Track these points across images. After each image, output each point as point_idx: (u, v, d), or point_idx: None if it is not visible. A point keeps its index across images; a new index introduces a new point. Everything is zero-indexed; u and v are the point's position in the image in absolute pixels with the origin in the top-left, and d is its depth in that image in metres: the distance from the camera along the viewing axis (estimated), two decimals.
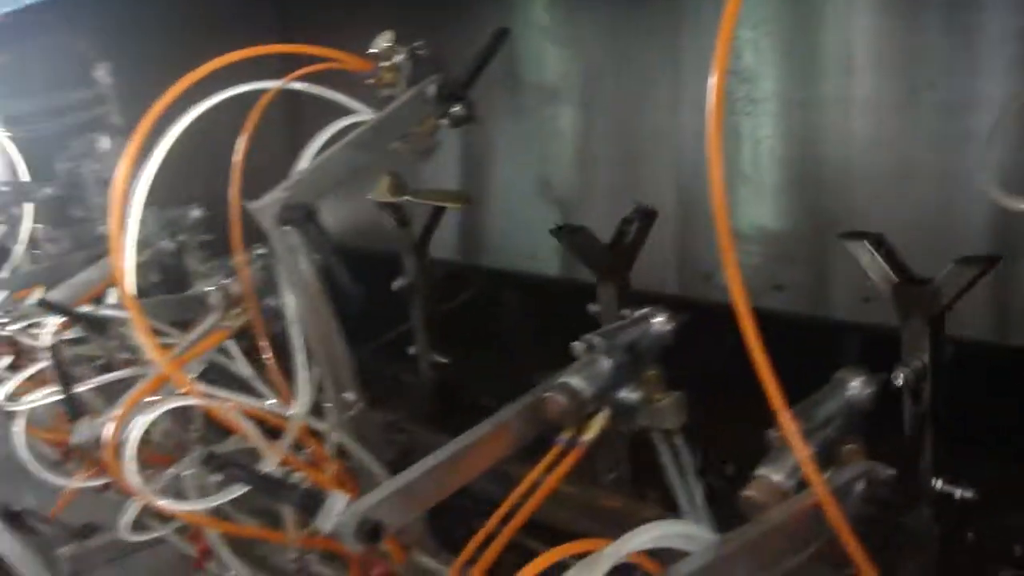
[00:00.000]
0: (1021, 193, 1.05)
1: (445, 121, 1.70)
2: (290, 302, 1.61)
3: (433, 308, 2.22)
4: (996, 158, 1.11)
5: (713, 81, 0.92)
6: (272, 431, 1.62)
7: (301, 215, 1.50)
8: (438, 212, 2.15)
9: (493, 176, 2.77)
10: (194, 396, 1.57)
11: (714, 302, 2.13)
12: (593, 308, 1.69)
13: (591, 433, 1.26)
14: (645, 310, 1.34)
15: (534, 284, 2.64)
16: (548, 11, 2.51)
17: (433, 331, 2.24)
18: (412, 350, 2.24)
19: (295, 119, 2.43)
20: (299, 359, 1.61)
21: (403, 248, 2.19)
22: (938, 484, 1.29)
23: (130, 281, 1.60)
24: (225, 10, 2.96)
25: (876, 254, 1.29)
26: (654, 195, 2.28)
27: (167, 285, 2.43)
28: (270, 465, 1.50)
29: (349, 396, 1.60)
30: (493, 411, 2.15)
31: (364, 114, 1.70)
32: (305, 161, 1.64)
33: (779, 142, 2.08)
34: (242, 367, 1.85)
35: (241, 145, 1.70)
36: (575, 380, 1.24)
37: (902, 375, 1.25)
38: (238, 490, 1.46)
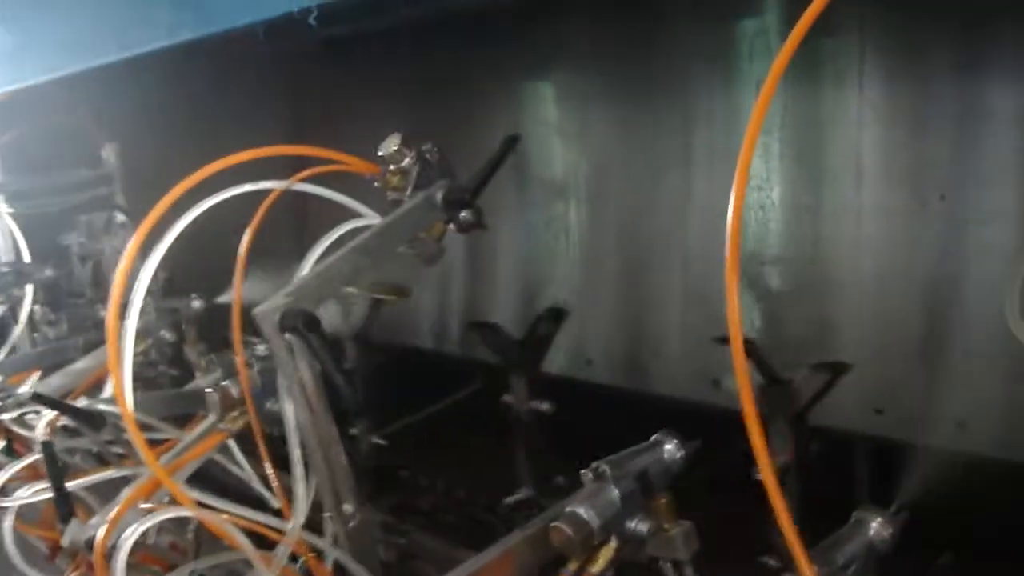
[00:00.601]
0: None
1: (452, 226, 1.67)
2: (288, 409, 1.57)
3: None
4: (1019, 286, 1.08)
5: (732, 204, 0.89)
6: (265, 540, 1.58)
7: (303, 322, 1.47)
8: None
9: (497, 272, 2.75)
10: (188, 506, 1.52)
11: (721, 408, 2.10)
12: (507, 398, 1.85)
13: (598, 566, 1.21)
14: (655, 437, 1.30)
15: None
16: (558, 108, 2.51)
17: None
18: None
19: (305, 215, 2.41)
20: (296, 470, 1.57)
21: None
22: None
23: (127, 387, 1.56)
24: (241, 100, 2.97)
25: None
26: (660, 297, 2.28)
27: (167, 375, 2.40)
28: None
29: (348, 508, 1.55)
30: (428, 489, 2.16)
31: (370, 218, 1.68)
32: (308, 265, 1.62)
33: (786, 247, 2.07)
34: (242, 470, 1.81)
35: (245, 240, 1.68)
36: (583, 510, 1.20)
37: None
38: None
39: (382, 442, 2.23)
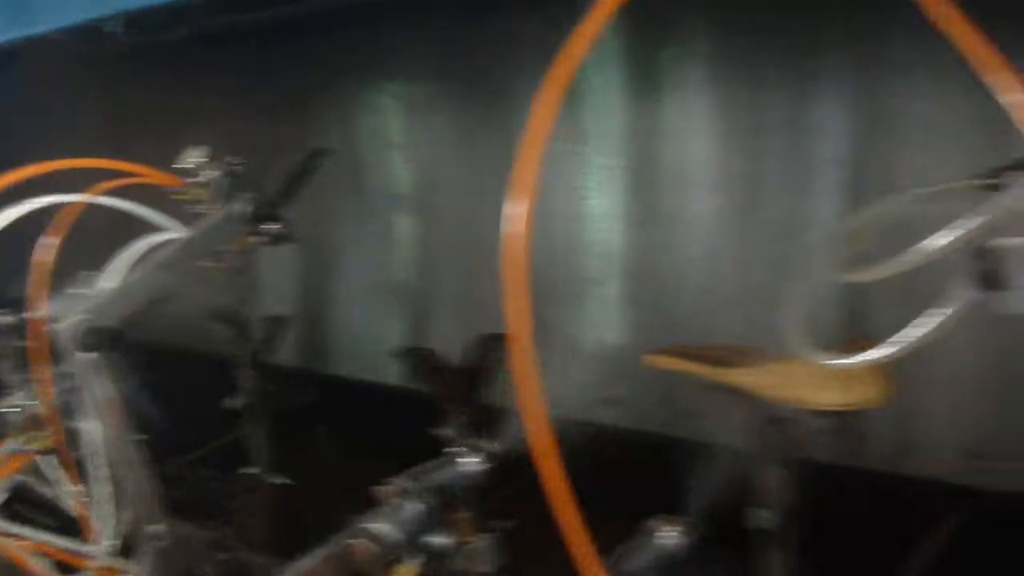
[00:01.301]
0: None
1: (261, 239, 1.63)
2: (90, 428, 1.51)
3: (270, 426, 2.13)
4: (803, 313, 1.10)
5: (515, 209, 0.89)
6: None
7: (104, 340, 1.42)
8: (278, 324, 2.08)
9: (338, 282, 2.72)
10: None
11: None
12: (442, 432, 1.66)
13: None
14: (458, 449, 1.29)
15: (377, 393, 2.59)
16: (393, 120, 2.49)
17: (271, 450, 2.14)
18: (250, 470, 2.14)
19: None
20: (98, 491, 1.51)
21: (240, 361, 2.10)
22: None
23: None
24: (57, 106, 2.88)
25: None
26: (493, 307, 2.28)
27: None
28: None
29: (156, 528, 1.50)
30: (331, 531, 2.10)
31: (174, 232, 1.63)
32: (109, 279, 1.56)
33: (623, 256, 2.10)
34: (53, 492, 1.74)
35: (46, 248, 1.62)
36: (383, 526, 1.18)
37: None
38: None
39: (283, 480, 2.17)
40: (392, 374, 2.50)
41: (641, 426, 2.08)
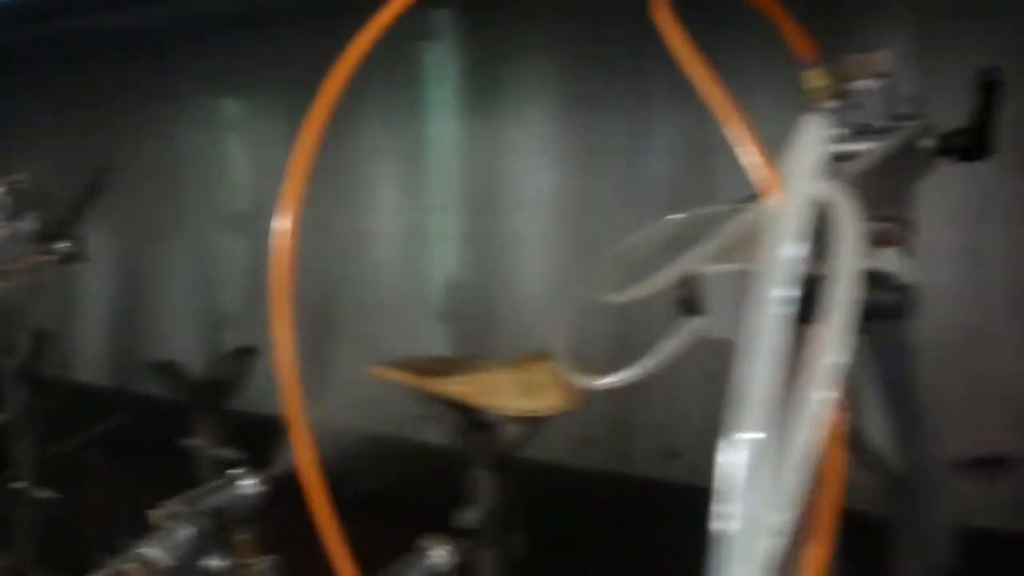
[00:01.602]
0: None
1: (50, 258, 1.60)
2: None
3: (40, 440, 2.07)
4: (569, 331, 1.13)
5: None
6: None
7: None
8: (40, 340, 2.03)
9: (157, 298, 2.68)
10: None
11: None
12: (191, 442, 1.74)
13: None
14: (236, 471, 1.29)
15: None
16: (225, 134, 2.47)
17: (41, 465, 2.09)
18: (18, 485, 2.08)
19: None
20: None
21: (7, 377, 2.02)
22: None
23: None
24: None
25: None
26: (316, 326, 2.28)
27: None
28: None
29: None
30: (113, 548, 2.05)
31: None
32: None
33: (458, 270, 2.12)
34: None
35: None
36: (153, 551, 1.17)
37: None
38: None
39: (51, 495, 2.08)
40: None
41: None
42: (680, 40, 0.72)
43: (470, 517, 1.39)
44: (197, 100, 2.49)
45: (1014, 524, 1.60)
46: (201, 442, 1.71)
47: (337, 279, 2.23)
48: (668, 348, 0.88)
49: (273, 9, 2.18)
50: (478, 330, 2.07)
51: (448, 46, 2.08)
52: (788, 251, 0.44)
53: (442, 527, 1.23)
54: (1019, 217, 1.52)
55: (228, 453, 1.73)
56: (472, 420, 1.36)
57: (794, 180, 0.48)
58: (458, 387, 1.31)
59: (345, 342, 2.21)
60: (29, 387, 2.06)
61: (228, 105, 2.47)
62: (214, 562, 1.24)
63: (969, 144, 0.96)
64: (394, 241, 2.14)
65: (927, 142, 0.97)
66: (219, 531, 1.23)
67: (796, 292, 0.51)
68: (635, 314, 1.80)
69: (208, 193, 2.50)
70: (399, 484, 1.96)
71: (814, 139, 0.50)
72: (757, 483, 0.37)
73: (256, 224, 2.39)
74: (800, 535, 0.58)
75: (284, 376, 0.91)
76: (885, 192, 0.95)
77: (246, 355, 1.76)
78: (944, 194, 1.57)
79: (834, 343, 0.45)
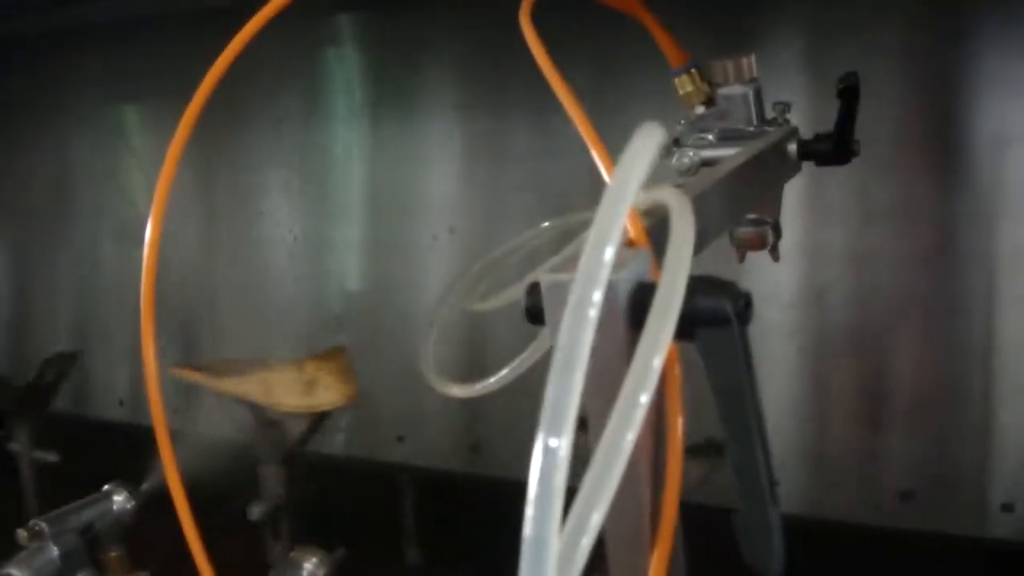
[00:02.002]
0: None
1: None
2: None
3: None
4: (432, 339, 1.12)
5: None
6: None
7: None
8: None
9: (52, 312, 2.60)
10: None
11: None
12: (14, 447, 1.75)
13: None
14: (106, 488, 1.25)
15: None
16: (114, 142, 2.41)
17: None
18: None
19: None
20: None
21: None
22: None
23: None
24: None
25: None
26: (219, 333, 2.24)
27: None
28: None
29: None
30: None
31: None
32: None
33: (307, 282, 2.10)
34: None
35: None
36: (15, 571, 1.13)
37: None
38: None
39: None
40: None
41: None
42: (538, 47, 0.72)
43: (258, 510, 1.44)
44: (85, 107, 2.43)
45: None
46: (21, 446, 1.73)
47: (227, 288, 2.19)
48: (524, 360, 0.88)
49: (167, 14, 2.14)
50: (374, 337, 2.05)
51: (350, 51, 2.05)
52: (604, 255, 0.43)
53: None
54: (903, 218, 1.55)
55: (49, 456, 1.75)
56: (260, 417, 1.43)
57: (619, 185, 0.47)
58: (245, 386, 1.37)
59: (233, 351, 2.18)
60: None
61: (118, 113, 2.42)
62: None
63: (830, 149, 0.97)
64: (290, 249, 2.10)
65: (791, 147, 0.98)
66: (88, 548, 1.20)
67: (615, 296, 0.51)
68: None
69: (96, 202, 2.44)
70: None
71: (646, 144, 0.49)
72: (561, 487, 0.36)
73: (143, 233, 2.33)
74: (641, 539, 0.57)
75: (151, 390, 0.88)
76: (752, 196, 0.96)
77: (70, 359, 1.78)
78: (833, 196, 1.60)
79: (654, 346, 0.45)
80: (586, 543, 0.38)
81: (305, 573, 1.12)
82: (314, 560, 1.12)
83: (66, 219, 2.49)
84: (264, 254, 2.16)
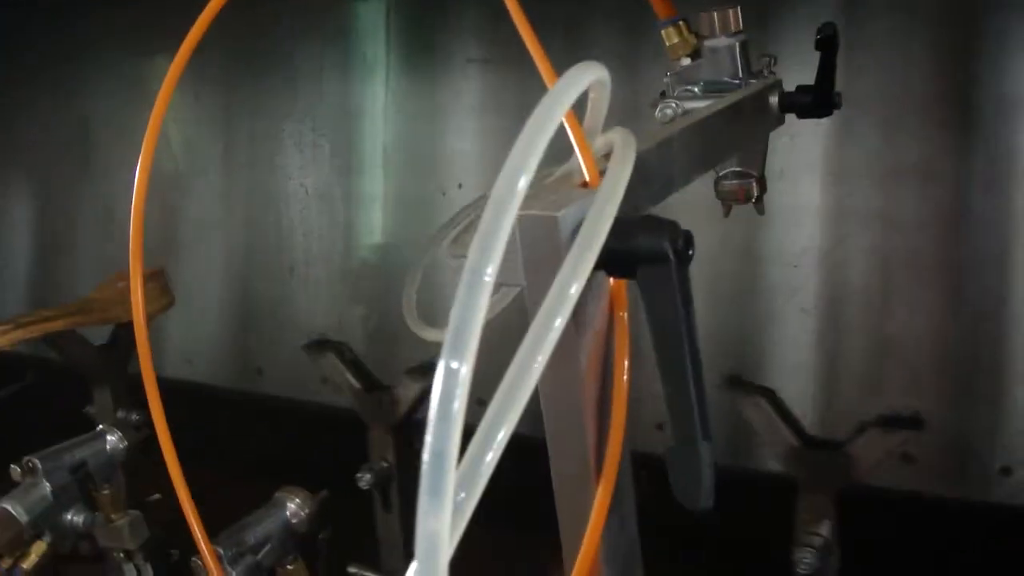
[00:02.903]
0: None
1: None
2: None
3: None
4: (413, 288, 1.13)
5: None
6: None
7: None
8: None
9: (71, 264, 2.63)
10: None
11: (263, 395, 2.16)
12: (90, 410, 1.66)
13: (30, 561, 1.18)
14: (100, 427, 1.27)
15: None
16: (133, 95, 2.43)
17: None
18: None
19: None
20: None
21: None
22: None
23: None
24: None
25: (343, 366, 1.30)
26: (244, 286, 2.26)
27: None
28: None
29: None
30: None
31: None
32: None
33: (328, 235, 2.11)
34: None
35: None
36: (11, 506, 1.16)
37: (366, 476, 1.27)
38: None
39: None
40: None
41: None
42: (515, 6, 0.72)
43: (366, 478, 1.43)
44: (106, 60, 2.44)
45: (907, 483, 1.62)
46: (102, 409, 1.67)
47: (251, 241, 2.21)
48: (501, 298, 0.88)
49: None
50: (389, 290, 2.06)
51: (371, 3, 2.05)
52: (518, 182, 0.44)
53: None
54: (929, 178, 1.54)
55: (132, 417, 1.69)
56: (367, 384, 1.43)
57: (542, 112, 0.47)
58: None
59: (259, 304, 2.20)
60: None
61: (139, 65, 2.43)
62: (76, 516, 1.23)
63: (811, 101, 0.97)
64: (304, 202, 2.12)
65: (773, 99, 0.98)
66: (81, 486, 1.23)
67: (557, 233, 0.51)
68: None
69: (115, 150, 2.46)
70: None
71: (577, 77, 0.50)
72: (462, 408, 0.37)
73: (161, 180, 2.36)
74: (585, 479, 0.58)
75: (139, 338, 0.90)
76: (728, 146, 0.96)
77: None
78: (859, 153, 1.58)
79: (572, 272, 0.46)
80: (490, 459, 0.39)
81: (288, 512, 1.13)
82: (297, 500, 1.14)
83: (89, 172, 2.51)
84: (278, 207, 2.17)
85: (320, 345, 1.41)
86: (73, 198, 2.54)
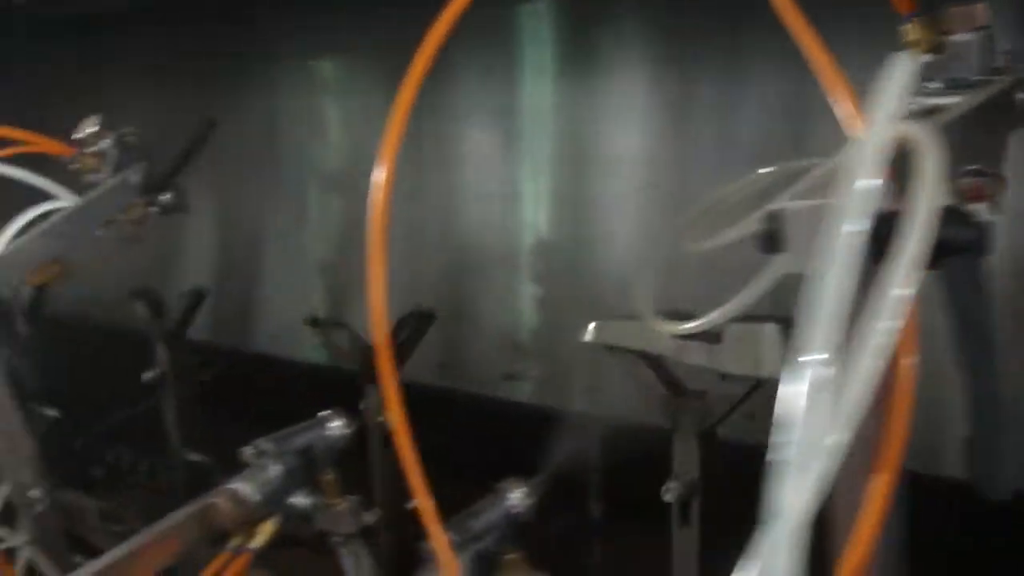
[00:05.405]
0: None
1: (154, 209, 1.66)
2: None
3: (189, 404, 2.14)
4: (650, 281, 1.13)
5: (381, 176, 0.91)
6: None
7: None
8: (197, 300, 2.10)
9: (260, 258, 2.74)
10: None
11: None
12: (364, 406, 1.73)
13: (258, 541, 1.23)
14: (322, 414, 1.32)
15: (297, 371, 2.61)
16: (321, 94, 2.51)
17: (188, 427, 2.15)
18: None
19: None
20: None
21: (156, 337, 2.11)
22: None
23: None
24: None
25: (650, 368, 1.29)
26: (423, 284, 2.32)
27: None
28: None
29: (34, 494, 1.51)
30: None
31: (65, 200, 1.65)
32: None
33: (547, 234, 2.14)
34: None
35: None
36: (243, 486, 1.21)
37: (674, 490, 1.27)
38: None
39: (198, 458, 2.16)
40: (308, 350, 2.53)
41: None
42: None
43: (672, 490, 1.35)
44: (293, 60, 2.53)
45: None
46: (370, 407, 1.71)
47: (428, 236, 2.25)
48: (754, 289, 0.88)
49: None
50: (570, 289, 2.07)
51: (544, 6, 2.07)
52: (864, 183, 0.44)
53: None
54: None
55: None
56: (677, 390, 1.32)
57: (876, 116, 0.48)
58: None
59: (434, 299, 2.24)
60: (179, 348, 2.10)
61: (324, 65, 2.51)
62: (300, 500, 1.28)
63: None
64: (485, 200, 2.15)
65: (1020, 96, 0.95)
66: (306, 470, 1.27)
67: (869, 226, 0.51)
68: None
69: (304, 152, 2.55)
70: None
71: (900, 76, 0.50)
72: (818, 409, 0.37)
73: (351, 183, 2.43)
74: (867, 463, 0.58)
75: (377, 329, 0.93)
76: (976, 146, 0.94)
77: (427, 318, 1.76)
78: None
79: (902, 275, 0.46)
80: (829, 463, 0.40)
81: (510, 502, 1.16)
82: (520, 491, 1.16)
83: (276, 168, 2.61)
84: (459, 204, 2.22)
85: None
86: (262, 194, 2.64)
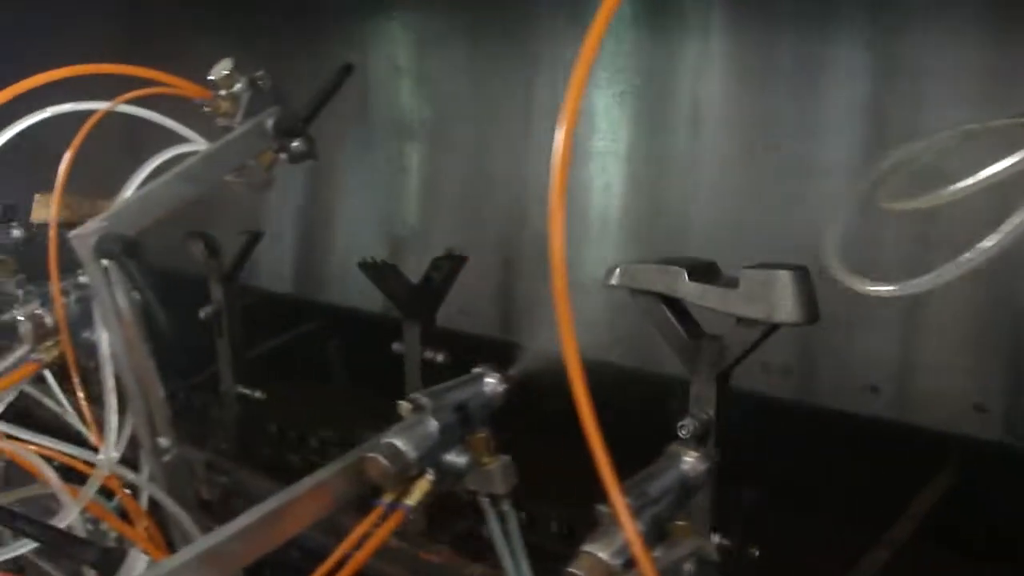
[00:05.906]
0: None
1: (283, 156, 1.61)
2: (104, 338, 1.50)
3: (240, 340, 2.17)
4: (838, 235, 1.10)
5: (560, 136, 0.86)
6: (82, 477, 1.51)
7: (120, 248, 1.40)
8: (251, 242, 2.09)
9: (338, 210, 2.72)
10: None
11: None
12: (397, 347, 1.75)
13: (414, 498, 1.20)
14: (478, 370, 1.29)
15: (370, 321, 2.59)
16: (403, 48, 2.48)
17: (241, 364, 2.18)
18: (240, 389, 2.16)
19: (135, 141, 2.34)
20: (109, 400, 1.50)
21: (212, 277, 2.14)
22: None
23: None
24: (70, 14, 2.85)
25: (668, 311, 1.27)
26: (496, 240, 2.28)
27: None
28: (69, 516, 1.39)
29: (164, 442, 1.49)
30: (300, 446, 2.10)
31: (198, 143, 1.61)
32: (130, 190, 1.54)
33: (627, 194, 2.09)
34: (58, 403, 1.73)
35: (64, 163, 1.60)
36: (399, 441, 1.18)
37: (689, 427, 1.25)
38: (26, 545, 1.35)
39: (250, 392, 2.18)
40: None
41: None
42: None
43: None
44: (389, 15, 2.49)
45: None
46: (410, 347, 1.72)
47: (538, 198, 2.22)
48: (987, 247, 0.83)
49: None
50: (650, 251, 2.03)
51: None
52: None
53: None
54: None
55: (439, 358, 1.73)
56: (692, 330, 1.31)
57: None
58: None
59: (527, 262, 2.21)
60: (232, 287, 2.11)
61: (420, 22, 2.47)
62: (452, 457, 1.24)
63: None
64: (607, 162, 2.11)
65: None
66: (460, 427, 1.24)
67: None
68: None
69: (395, 107, 2.51)
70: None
71: None
72: None
73: (437, 139, 2.39)
74: None
75: (558, 295, 0.88)
76: None
77: (458, 261, 1.75)
78: None
79: None
80: None
81: (684, 467, 1.12)
82: (692, 453, 1.12)
83: (370, 127, 2.58)
84: (582, 166, 2.18)
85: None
86: (358, 153, 2.61)
